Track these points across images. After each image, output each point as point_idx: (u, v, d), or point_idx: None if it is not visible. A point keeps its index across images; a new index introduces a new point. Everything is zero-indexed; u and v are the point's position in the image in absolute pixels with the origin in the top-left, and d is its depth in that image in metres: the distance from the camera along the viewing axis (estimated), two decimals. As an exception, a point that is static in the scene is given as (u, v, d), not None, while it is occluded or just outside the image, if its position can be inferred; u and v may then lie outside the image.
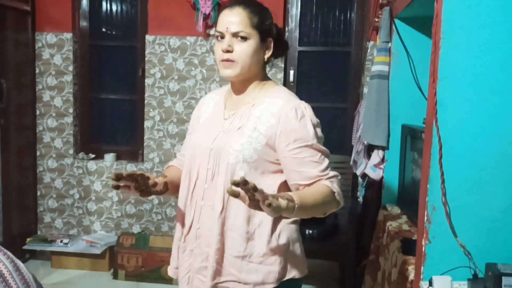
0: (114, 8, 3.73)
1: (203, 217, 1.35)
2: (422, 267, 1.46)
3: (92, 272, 3.42)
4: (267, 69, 1.47)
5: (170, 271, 1.51)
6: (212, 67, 3.47)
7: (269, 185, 1.31)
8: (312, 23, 3.56)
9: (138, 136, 3.68)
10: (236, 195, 1.05)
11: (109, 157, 3.65)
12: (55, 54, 3.58)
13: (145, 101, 3.56)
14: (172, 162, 1.56)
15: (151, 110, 3.56)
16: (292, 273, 1.37)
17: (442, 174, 1.41)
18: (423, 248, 1.45)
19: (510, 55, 1.38)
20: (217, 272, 1.33)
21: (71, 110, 3.62)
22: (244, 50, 1.33)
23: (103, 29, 3.76)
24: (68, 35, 3.56)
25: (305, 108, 1.33)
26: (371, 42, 3.25)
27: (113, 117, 3.82)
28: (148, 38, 3.50)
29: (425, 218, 1.44)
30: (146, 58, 3.53)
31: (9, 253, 0.73)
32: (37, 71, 3.60)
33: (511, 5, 1.37)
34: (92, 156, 3.71)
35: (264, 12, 1.38)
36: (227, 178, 1.31)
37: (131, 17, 3.71)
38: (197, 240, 1.38)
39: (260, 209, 1.09)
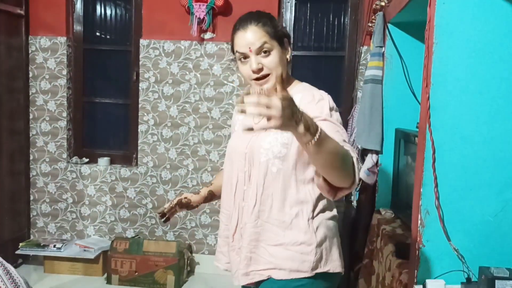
0: (108, 12, 3.73)
1: (245, 217, 1.42)
2: (415, 271, 1.46)
3: (85, 277, 3.40)
4: None
5: (221, 266, 1.56)
6: (206, 71, 3.47)
7: (306, 175, 1.37)
8: (306, 28, 3.57)
9: (132, 140, 3.67)
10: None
11: (103, 161, 3.63)
12: (49, 58, 3.57)
13: (139, 105, 3.55)
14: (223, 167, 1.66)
15: (145, 114, 3.55)
16: (327, 267, 1.41)
17: (436, 178, 1.42)
18: (417, 252, 1.45)
19: (502, 60, 1.39)
20: (254, 260, 1.41)
21: (64, 114, 3.61)
22: (272, 62, 1.37)
23: (97, 33, 3.76)
24: (62, 39, 3.55)
25: (323, 93, 1.40)
26: (365, 47, 3.27)
27: (107, 121, 3.80)
28: (142, 42, 3.50)
29: (419, 222, 1.45)
30: (140, 62, 3.52)
31: None
32: (30, 75, 3.59)
33: (503, 10, 1.38)
34: (86, 160, 3.69)
35: (272, 19, 1.43)
36: (260, 176, 1.39)
37: (125, 21, 3.71)
38: (242, 239, 1.44)
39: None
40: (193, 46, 3.47)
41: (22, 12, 3.46)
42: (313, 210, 1.39)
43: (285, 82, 1.40)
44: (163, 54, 3.49)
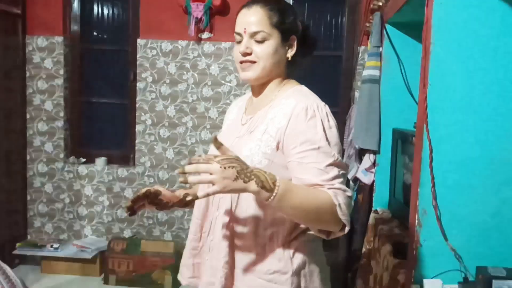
0: (105, 11, 3.72)
1: (217, 228, 1.25)
2: (413, 271, 1.46)
3: (82, 277, 3.40)
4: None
5: (184, 280, 1.37)
6: (204, 71, 3.47)
7: None
8: (304, 27, 3.57)
9: (129, 140, 3.67)
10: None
11: (100, 161, 3.63)
12: (46, 57, 3.56)
13: (137, 105, 3.55)
14: None
15: (143, 114, 3.55)
16: None
17: (433, 178, 1.42)
18: (414, 251, 1.45)
19: (499, 60, 1.40)
20: (234, 278, 1.24)
21: (62, 114, 3.60)
22: (263, 51, 1.25)
23: (95, 33, 3.75)
24: (59, 39, 3.54)
25: (318, 108, 1.21)
26: (362, 47, 3.27)
27: (104, 121, 3.80)
28: (140, 42, 3.49)
29: (416, 221, 1.45)
30: (137, 62, 3.52)
31: None
32: (27, 74, 3.58)
33: (501, 10, 1.38)
34: (83, 160, 3.68)
35: (285, 9, 1.29)
36: None
37: (122, 21, 3.70)
38: (209, 253, 1.28)
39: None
40: (191, 46, 3.46)
41: (19, 12, 3.45)
42: (291, 233, 1.22)
43: (274, 79, 1.31)
44: (160, 54, 3.49)
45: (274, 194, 1.05)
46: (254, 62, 1.25)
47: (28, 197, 3.67)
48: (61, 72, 3.57)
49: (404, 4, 1.98)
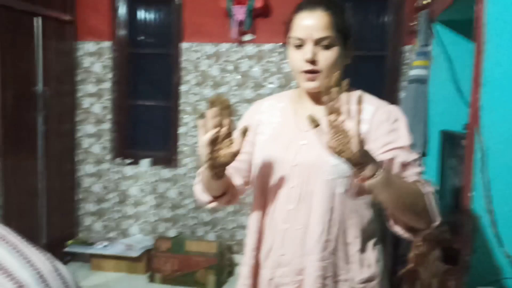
0: (150, 16, 3.81)
1: (288, 242, 1.21)
2: (464, 278, 1.41)
3: (129, 275, 3.49)
4: None
5: None
6: (246, 73, 3.49)
7: (370, 197, 1.19)
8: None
9: (172, 141, 3.73)
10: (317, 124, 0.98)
11: (145, 163, 3.71)
12: (95, 62, 3.68)
13: (180, 107, 3.61)
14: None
15: (186, 116, 3.60)
16: None
17: (488, 182, 1.36)
18: (467, 257, 1.40)
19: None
20: None
21: (109, 117, 3.71)
22: (328, 59, 1.16)
23: (140, 37, 3.85)
24: (108, 44, 3.65)
25: (398, 111, 1.21)
26: (408, 46, 3.19)
27: (149, 123, 3.88)
28: (184, 45, 3.55)
29: (469, 227, 1.40)
30: (181, 65, 3.58)
31: (49, 254, 0.75)
32: (78, 78, 3.71)
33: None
34: (129, 161, 3.78)
35: (344, 11, 1.21)
36: (324, 197, 1.16)
37: (166, 25, 3.78)
38: (280, 268, 1.22)
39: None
40: (233, 48, 3.49)
41: (70, 18, 3.59)
42: (373, 237, 1.23)
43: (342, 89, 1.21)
44: (203, 57, 3.53)
45: (381, 169, 0.99)
46: (318, 72, 1.16)
47: (78, 197, 3.81)
48: (109, 76, 3.68)
49: (453, 1, 1.91)
